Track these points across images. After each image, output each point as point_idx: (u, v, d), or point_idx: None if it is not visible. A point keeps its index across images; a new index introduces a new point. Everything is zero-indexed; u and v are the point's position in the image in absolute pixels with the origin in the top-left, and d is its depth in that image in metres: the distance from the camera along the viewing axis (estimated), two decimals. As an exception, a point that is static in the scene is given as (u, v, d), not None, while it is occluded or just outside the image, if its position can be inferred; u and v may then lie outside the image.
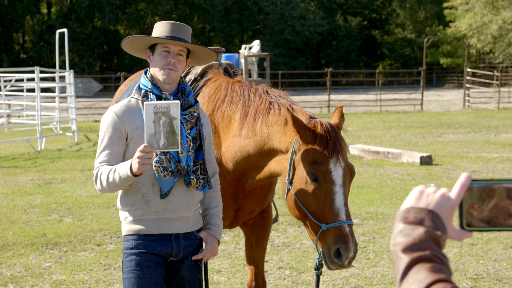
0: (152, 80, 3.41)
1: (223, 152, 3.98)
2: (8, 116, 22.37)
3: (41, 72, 19.89)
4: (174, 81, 3.43)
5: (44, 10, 56.26)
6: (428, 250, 1.39)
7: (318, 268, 3.65)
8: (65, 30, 21.15)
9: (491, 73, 34.72)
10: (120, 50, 52.17)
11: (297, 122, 3.48)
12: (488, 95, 34.64)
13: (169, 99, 3.38)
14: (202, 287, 3.55)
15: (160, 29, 3.43)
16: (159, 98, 3.38)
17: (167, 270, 3.48)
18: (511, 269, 6.41)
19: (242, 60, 24.25)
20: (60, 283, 6.09)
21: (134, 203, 3.38)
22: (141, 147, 3.07)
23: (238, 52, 27.84)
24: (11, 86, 19.86)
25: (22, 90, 22.53)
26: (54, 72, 21.52)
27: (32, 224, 8.34)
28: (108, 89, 38.87)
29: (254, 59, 25.69)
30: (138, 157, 3.07)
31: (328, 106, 28.56)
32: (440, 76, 58.96)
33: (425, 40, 33.61)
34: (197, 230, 3.53)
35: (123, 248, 3.44)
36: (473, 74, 39.14)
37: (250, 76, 25.22)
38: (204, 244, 3.57)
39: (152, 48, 3.45)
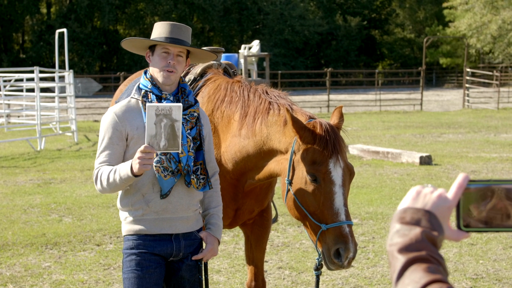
0: (152, 80, 3.41)
1: (223, 152, 3.98)
2: (8, 116, 22.36)
3: (41, 72, 19.90)
4: (174, 83, 3.44)
5: (44, 10, 56.25)
6: (424, 251, 1.38)
7: (317, 268, 3.65)
8: (64, 30, 21.14)
9: (490, 73, 34.70)
10: (119, 50, 52.20)
11: (296, 123, 3.48)
12: (488, 95, 34.65)
13: (169, 99, 3.38)
14: (202, 287, 3.55)
15: (160, 29, 3.43)
16: (159, 98, 3.38)
17: (167, 270, 3.48)
18: (510, 269, 6.41)
19: (242, 60, 24.25)
20: (60, 283, 6.10)
21: (134, 203, 3.38)
22: (142, 147, 3.07)
23: (238, 52, 27.83)
24: (11, 86, 19.85)
25: (21, 90, 22.53)
26: (53, 72, 21.52)
27: (31, 224, 8.34)
28: (108, 89, 38.87)
29: (253, 59, 25.69)
30: (139, 158, 3.07)
31: (328, 106, 28.55)
32: (439, 76, 58.98)
33: (425, 40, 33.62)
34: (197, 230, 3.54)
35: (123, 248, 3.45)
36: (473, 74, 39.15)
37: (249, 76, 25.22)
38: (204, 244, 3.58)
39: (152, 48, 3.46)
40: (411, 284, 1.33)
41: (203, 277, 3.57)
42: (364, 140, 17.15)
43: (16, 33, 56.19)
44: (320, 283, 4.66)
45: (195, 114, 3.45)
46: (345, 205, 3.44)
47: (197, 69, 4.34)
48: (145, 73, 3.48)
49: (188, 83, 4.22)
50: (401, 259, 1.38)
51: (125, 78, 23.41)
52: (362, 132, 19.64)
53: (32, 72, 19.27)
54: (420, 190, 1.51)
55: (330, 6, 60.81)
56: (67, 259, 6.82)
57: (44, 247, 7.26)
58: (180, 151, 3.20)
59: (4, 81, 20.04)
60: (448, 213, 1.48)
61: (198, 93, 4.19)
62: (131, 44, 3.57)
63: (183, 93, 3.47)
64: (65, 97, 21.92)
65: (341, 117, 3.70)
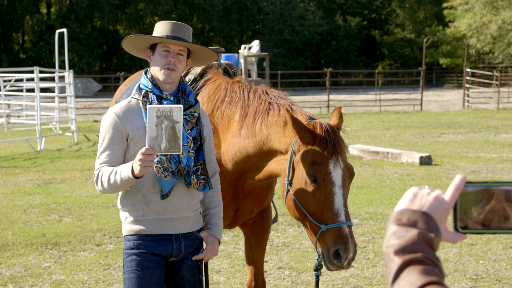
0: (153, 80, 3.41)
1: (223, 152, 3.98)
2: (8, 116, 22.37)
3: (41, 72, 19.90)
4: (174, 81, 3.43)
5: (44, 10, 56.24)
6: (420, 253, 1.38)
7: (317, 268, 3.65)
8: (64, 30, 21.14)
9: (490, 73, 34.71)
10: (119, 50, 52.19)
11: (296, 123, 3.48)
12: (488, 95, 34.64)
13: (169, 99, 3.38)
14: (202, 287, 3.55)
15: (161, 28, 3.44)
16: (159, 98, 3.38)
17: (168, 270, 3.49)
18: (510, 269, 6.41)
19: (242, 60, 24.25)
20: (60, 283, 6.10)
21: (134, 204, 3.39)
22: (143, 149, 3.07)
23: (238, 52, 27.83)
24: (11, 86, 19.86)
25: (21, 90, 22.53)
26: (53, 72, 21.52)
27: (31, 224, 8.34)
28: (108, 89, 38.87)
29: (253, 59, 25.69)
30: (140, 160, 3.07)
31: (328, 106, 28.55)
32: (439, 76, 58.98)
33: (425, 40, 33.62)
34: (198, 230, 3.54)
35: (124, 248, 3.45)
36: (473, 74, 39.14)
37: (249, 76, 25.22)
38: (204, 244, 3.58)
39: (153, 47, 3.46)
40: (406, 286, 1.33)
41: (204, 277, 3.57)
42: (364, 140, 17.15)
43: (16, 33, 56.19)
44: (320, 283, 4.66)
45: (196, 114, 3.45)
46: (345, 205, 3.44)
47: (197, 69, 4.34)
48: (146, 73, 3.48)
49: (188, 83, 4.22)
50: (397, 261, 1.38)
51: (125, 78, 23.41)
52: (362, 132, 19.65)
53: (32, 72, 19.27)
54: (417, 192, 1.51)
55: (330, 6, 60.81)
56: (67, 259, 6.82)
57: (44, 247, 7.26)
58: (181, 153, 3.21)
59: (4, 81, 20.04)
60: (445, 215, 1.48)
61: (198, 93, 4.19)
62: (132, 45, 3.57)
63: (183, 93, 3.47)
64: (65, 97, 21.92)
65: (341, 117, 3.70)
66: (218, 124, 4.04)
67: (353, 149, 14.30)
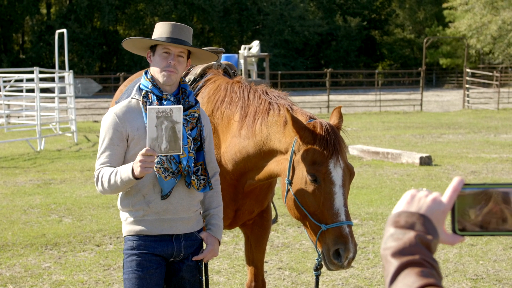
0: (153, 80, 3.41)
1: (223, 152, 3.98)
2: (8, 116, 22.36)
3: (41, 72, 19.88)
4: (174, 83, 3.44)
5: (44, 11, 56.25)
6: (418, 255, 1.38)
7: (317, 268, 3.65)
8: (64, 30, 21.14)
9: (490, 73, 34.73)
10: (119, 51, 52.21)
11: (296, 123, 3.48)
12: (488, 95, 34.65)
13: (169, 100, 3.38)
14: (202, 288, 3.55)
15: (161, 29, 3.43)
16: (159, 98, 3.38)
17: (168, 271, 3.49)
18: (510, 270, 6.41)
19: (242, 61, 24.25)
20: (60, 283, 6.10)
21: (134, 204, 3.39)
22: (143, 150, 3.07)
23: (238, 53, 27.82)
24: (11, 86, 19.86)
25: (21, 91, 22.53)
26: (53, 73, 21.52)
27: (31, 224, 8.34)
28: (108, 89, 38.87)
29: (253, 60, 25.69)
30: (140, 161, 3.07)
31: (328, 107, 28.54)
32: (439, 77, 58.98)
33: (425, 40, 33.62)
34: (198, 231, 3.54)
35: (124, 248, 3.45)
36: (473, 75, 39.15)
37: (249, 76, 25.22)
38: (204, 245, 3.58)
39: (153, 48, 3.45)
40: None
41: (204, 277, 3.57)
42: (364, 141, 17.15)
43: (16, 34, 56.20)
44: (320, 283, 4.66)
45: (196, 114, 3.45)
46: (345, 205, 3.44)
47: (197, 69, 4.34)
48: (146, 73, 3.47)
49: (188, 84, 4.22)
50: (394, 263, 1.38)
51: (125, 78, 23.40)
52: (362, 132, 19.64)
53: (32, 72, 19.27)
54: (414, 194, 1.51)
55: (330, 6, 60.83)
56: (67, 260, 6.82)
57: (44, 248, 7.26)
58: (181, 153, 3.21)
59: (4, 81, 20.04)
60: (443, 217, 1.47)
61: (198, 93, 4.19)
62: (132, 44, 3.57)
63: (183, 94, 3.47)
64: (65, 98, 21.92)
65: (341, 117, 3.70)
66: (218, 124, 4.03)
67: (353, 150, 14.30)
